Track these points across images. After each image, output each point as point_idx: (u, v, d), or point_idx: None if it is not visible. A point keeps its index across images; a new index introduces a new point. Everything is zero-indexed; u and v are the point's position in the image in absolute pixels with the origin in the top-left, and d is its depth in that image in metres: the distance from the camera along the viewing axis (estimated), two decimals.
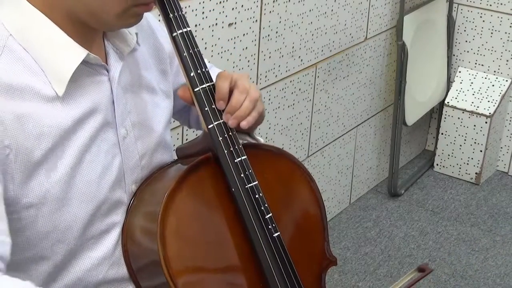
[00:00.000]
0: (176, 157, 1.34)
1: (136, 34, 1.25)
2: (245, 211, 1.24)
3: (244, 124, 1.24)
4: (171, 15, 1.23)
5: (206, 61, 1.52)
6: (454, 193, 3.36)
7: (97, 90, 1.18)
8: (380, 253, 2.92)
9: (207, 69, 1.25)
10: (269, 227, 1.25)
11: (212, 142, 1.24)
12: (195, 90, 1.24)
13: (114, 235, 1.24)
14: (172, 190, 1.20)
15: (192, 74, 1.24)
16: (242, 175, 1.24)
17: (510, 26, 3.32)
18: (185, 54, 1.24)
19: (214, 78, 1.28)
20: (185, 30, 1.24)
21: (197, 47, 1.25)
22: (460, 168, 3.46)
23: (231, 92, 1.25)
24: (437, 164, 3.51)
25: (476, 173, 3.42)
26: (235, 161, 1.24)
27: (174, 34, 1.24)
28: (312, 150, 2.86)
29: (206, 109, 1.24)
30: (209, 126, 1.24)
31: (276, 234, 1.26)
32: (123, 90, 1.23)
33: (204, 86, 1.24)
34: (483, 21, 3.36)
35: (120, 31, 1.23)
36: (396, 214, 3.18)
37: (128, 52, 1.24)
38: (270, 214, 1.26)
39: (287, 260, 1.27)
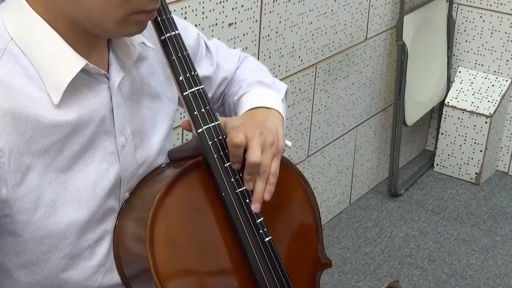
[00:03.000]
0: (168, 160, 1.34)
1: (143, 43, 1.24)
2: (236, 215, 1.23)
3: (266, 196, 1.24)
4: (159, 18, 1.22)
5: (238, 51, 1.49)
6: (454, 193, 3.36)
7: (95, 98, 1.17)
8: (380, 253, 2.92)
9: (196, 73, 1.24)
10: (260, 231, 1.25)
11: (202, 146, 1.23)
12: (184, 94, 1.23)
13: (107, 242, 1.23)
14: (161, 195, 1.19)
15: (181, 78, 1.23)
16: (232, 179, 1.23)
17: (510, 26, 3.32)
18: (174, 57, 1.23)
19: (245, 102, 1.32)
20: (173, 33, 1.23)
21: (186, 50, 1.24)
22: (460, 168, 3.46)
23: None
24: (437, 164, 3.51)
25: (476, 173, 3.42)
26: (225, 165, 1.23)
27: (163, 37, 1.23)
28: (312, 150, 2.86)
29: (195, 113, 1.23)
30: (199, 130, 1.23)
31: (267, 239, 1.25)
32: (124, 99, 1.22)
33: (193, 90, 1.23)
34: (483, 21, 3.36)
35: (123, 43, 1.21)
36: (396, 214, 3.18)
37: (130, 64, 1.23)
38: (261, 219, 1.25)
39: (279, 265, 1.27)
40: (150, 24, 1.21)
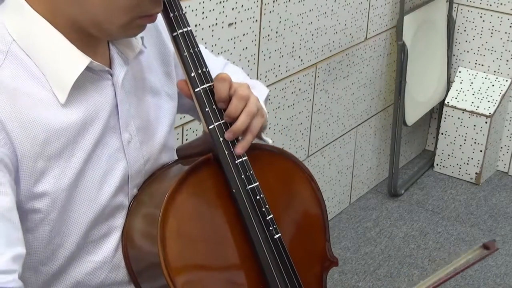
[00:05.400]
0: (176, 157, 1.34)
1: (142, 38, 1.24)
2: (246, 212, 1.23)
3: (238, 151, 1.23)
4: (171, 14, 1.22)
5: (221, 58, 1.51)
6: (454, 193, 3.36)
7: (100, 95, 1.17)
8: (380, 253, 2.92)
9: (207, 69, 1.24)
10: (270, 228, 1.25)
11: (212, 142, 1.23)
12: (196, 90, 1.23)
13: (114, 239, 1.24)
14: (172, 192, 1.19)
15: (192, 74, 1.23)
16: (242, 176, 1.23)
17: (510, 26, 3.32)
18: (186, 54, 1.23)
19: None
20: (185, 29, 1.23)
21: (197, 46, 1.24)
22: (460, 168, 3.46)
23: (230, 98, 1.23)
24: (437, 164, 3.51)
25: (476, 173, 3.42)
26: (236, 162, 1.23)
27: (175, 33, 1.23)
28: (312, 150, 2.86)
29: (206, 109, 1.23)
30: (210, 127, 1.23)
31: (277, 236, 1.26)
32: (127, 95, 1.22)
33: (204, 86, 1.23)
34: (483, 21, 3.36)
35: None
36: (396, 214, 3.18)
37: (132, 57, 1.23)
38: (271, 216, 1.25)
39: (288, 262, 1.27)
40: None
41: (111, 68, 1.19)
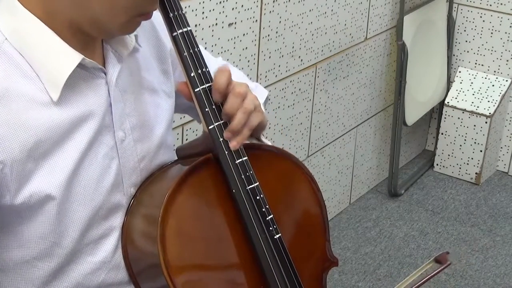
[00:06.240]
0: (176, 157, 1.34)
1: (136, 36, 1.24)
2: (246, 212, 1.23)
3: (234, 145, 1.22)
4: (171, 14, 1.22)
5: (221, 59, 1.51)
6: (454, 193, 3.36)
7: (94, 93, 1.17)
8: (380, 253, 2.92)
9: (207, 69, 1.24)
10: (270, 228, 1.25)
11: (212, 143, 1.23)
12: (196, 90, 1.23)
13: (113, 239, 1.23)
14: (172, 192, 1.19)
15: (192, 74, 1.23)
16: (242, 177, 1.23)
17: (510, 26, 3.32)
18: (185, 54, 1.23)
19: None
20: (185, 29, 1.23)
21: (197, 46, 1.24)
22: (460, 168, 3.46)
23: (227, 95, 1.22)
24: (437, 164, 3.51)
25: (476, 173, 3.42)
26: (236, 162, 1.23)
27: (175, 33, 1.23)
28: (312, 150, 2.86)
29: (206, 109, 1.23)
30: (210, 127, 1.23)
31: (277, 236, 1.25)
32: (122, 93, 1.22)
33: (204, 86, 1.23)
34: (483, 21, 3.36)
35: None
36: (396, 214, 3.18)
37: (126, 55, 1.23)
38: (271, 216, 1.25)
39: (288, 262, 1.27)
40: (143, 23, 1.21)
41: (105, 67, 1.19)
